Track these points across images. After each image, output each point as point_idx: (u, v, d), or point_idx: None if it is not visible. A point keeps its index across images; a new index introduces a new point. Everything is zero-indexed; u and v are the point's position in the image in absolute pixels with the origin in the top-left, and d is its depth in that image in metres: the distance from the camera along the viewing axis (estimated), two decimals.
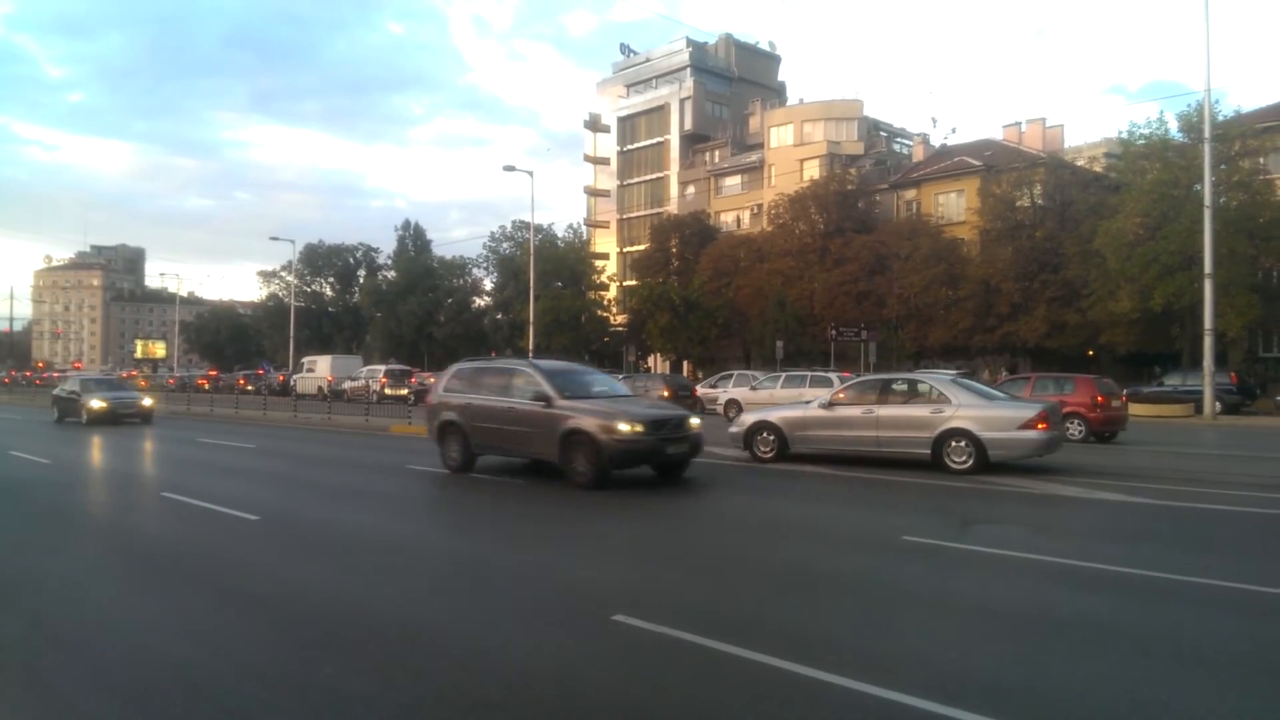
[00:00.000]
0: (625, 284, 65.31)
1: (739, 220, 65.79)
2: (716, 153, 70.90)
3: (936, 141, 60.92)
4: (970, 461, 13.34)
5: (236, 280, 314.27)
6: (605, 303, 62.04)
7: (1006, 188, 44.81)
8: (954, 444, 13.51)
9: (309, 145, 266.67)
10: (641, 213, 73.58)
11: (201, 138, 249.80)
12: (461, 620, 6.22)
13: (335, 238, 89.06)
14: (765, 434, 15.60)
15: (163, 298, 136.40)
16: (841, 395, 15.40)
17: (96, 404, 26.44)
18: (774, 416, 15.92)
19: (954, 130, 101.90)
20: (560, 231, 71.82)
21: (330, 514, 10.99)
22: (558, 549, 8.86)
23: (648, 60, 79.46)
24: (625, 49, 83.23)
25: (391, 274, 79.53)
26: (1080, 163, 51.48)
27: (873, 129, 67.09)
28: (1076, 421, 19.03)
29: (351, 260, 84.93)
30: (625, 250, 72.13)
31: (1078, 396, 19.46)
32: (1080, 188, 44.57)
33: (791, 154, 61.70)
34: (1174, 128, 36.92)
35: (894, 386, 15.27)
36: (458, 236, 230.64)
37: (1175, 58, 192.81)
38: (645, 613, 6.04)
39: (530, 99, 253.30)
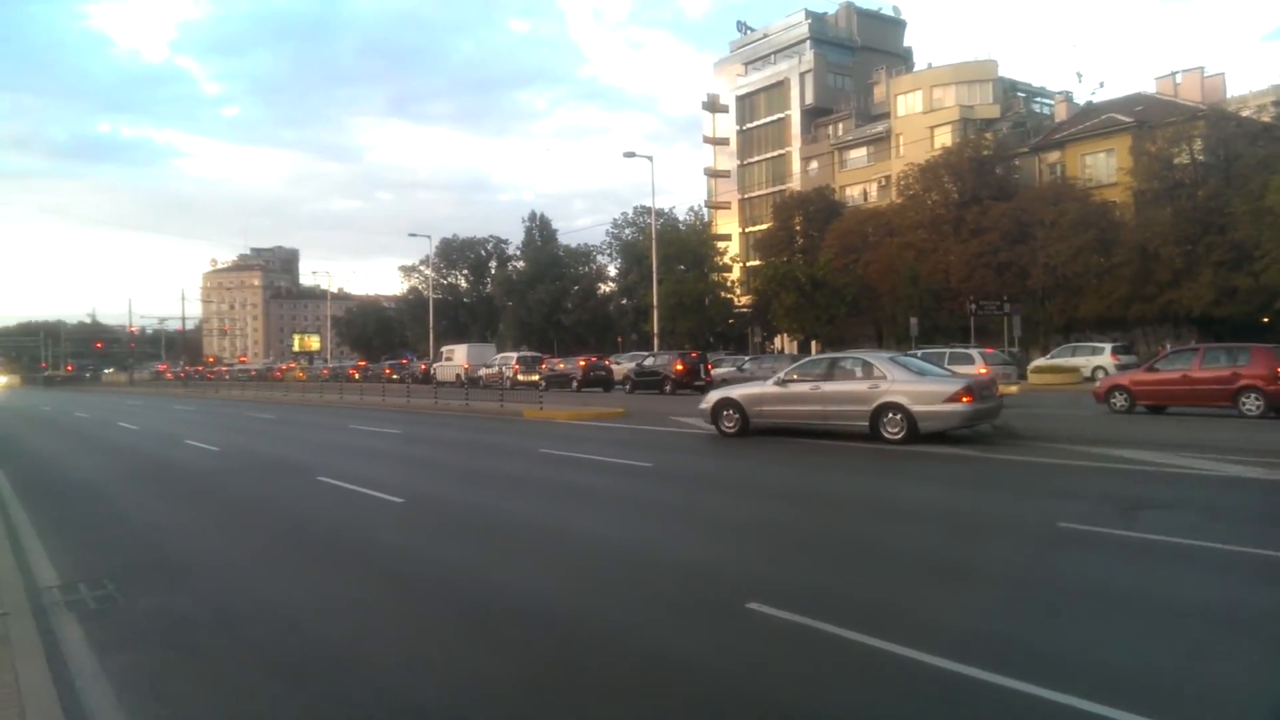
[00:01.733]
0: (748, 264, 64.54)
1: (866, 194, 63.72)
2: (840, 125, 68.82)
3: (1081, 99, 57.00)
4: (902, 433, 14.25)
5: (380, 276, 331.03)
6: (729, 284, 61.48)
7: (1162, 144, 41.23)
8: (889, 416, 14.49)
9: (441, 144, 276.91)
10: (763, 191, 72.43)
11: (344, 143, 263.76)
12: (597, 603, 6.25)
13: (468, 231, 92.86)
14: (730, 410, 16.68)
15: (315, 294, 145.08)
16: (794, 375, 16.30)
17: None
18: (736, 394, 17.03)
19: (1101, 85, 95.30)
20: (681, 215, 71.91)
21: (470, 497, 11.36)
22: (689, 532, 8.80)
23: (765, 36, 77.94)
24: (742, 26, 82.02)
25: (520, 264, 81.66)
26: (1246, 113, 46.66)
27: (1009, 90, 63.38)
28: (1254, 395, 17.35)
29: (483, 252, 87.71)
30: (747, 230, 71.23)
31: (1254, 368, 17.71)
32: (1247, 140, 40.45)
33: (921, 122, 59.14)
34: None
35: (838, 364, 16.15)
36: (582, 225, 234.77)
37: None
38: (780, 601, 5.88)
39: (648, 85, 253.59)
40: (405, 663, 5.14)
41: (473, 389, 31.94)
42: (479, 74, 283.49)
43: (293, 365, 79.55)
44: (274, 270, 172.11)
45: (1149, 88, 54.13)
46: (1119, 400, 19.56)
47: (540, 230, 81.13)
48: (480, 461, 15.21)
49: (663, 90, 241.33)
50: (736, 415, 16.54)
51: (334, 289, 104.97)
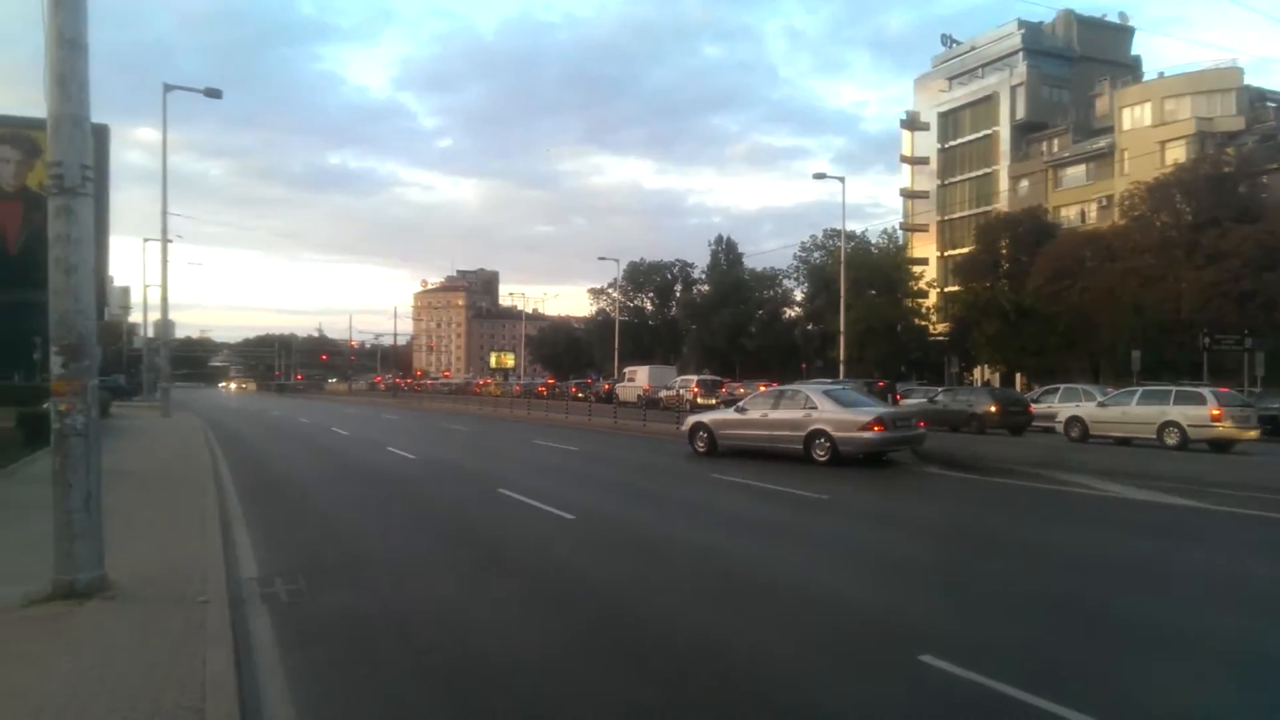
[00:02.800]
0: (946, 290, 61.30)
1: (1083, 214, 58.95)
2: (1055, 141, 64.17)
3: None
4: (827, 456, 16.44)
5: (571, 298, 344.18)
6: (924, 310, 58.71)
7: None
8: (817, 441, 16.70)
9: (634, 170, 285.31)
10: (965, 213, 68.83)
11: (544, 171, 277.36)
12: (755, 642, 5.92)
13: (655, 255, 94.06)
14: (701, 432, 19.08)
15: (512, 314, 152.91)
16: (748, 405, 18.73)
17: None
18: (706, 419, 19.67)
19: None
20: (874, 238, 69.47)
21: (639, 518, 11.30)
22: (862, 570, 8.27)
23: (972, 49, 74.24)
24: (947, 40, 78.54)
25: (705, 288, 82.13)
26: None
27: (1256, 99, 56.68)
28: None
29: (669, 276, 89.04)
30: (946, 254, 67.84)
31: None
32: None
33: (1149, 136, 54.08)
34: None
35: (783, 395, 18.59)
36: (770, 248, 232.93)
37: None
38: (959, 655, 5.31)
39: (843, 105, 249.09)
40: (559, 681, 5.09)
41: (651, 410, 32.21)
42: (672, 100, 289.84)
43: (489, 381, 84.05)
44: (476, 291, 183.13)
45: None
46: None
47: (726, 254, 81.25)
48: (653, 483, 15.19)
49: (858, 110, 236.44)
50: (706, 436, 18.93)
51: (529, 310, 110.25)
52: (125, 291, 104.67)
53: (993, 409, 26.24)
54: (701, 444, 18.95)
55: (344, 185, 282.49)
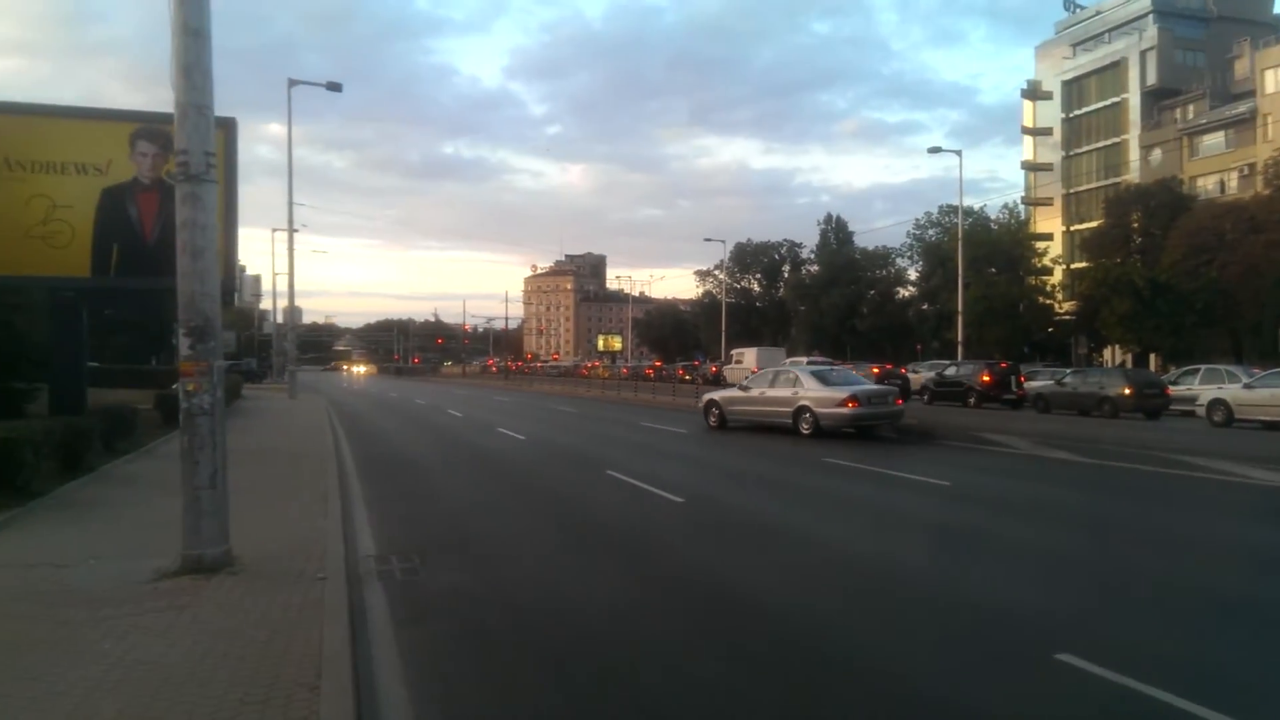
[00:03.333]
0: (1072, 267, 57.97)
1: (1222, 185, 54.48)
2: (1190, 107, 59.47)
3: None
4: (810, 429, 18.37)
5: (677, 280, 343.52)
6: (1048, 289, 55.71)
7: None
8: (804, 416, 18.57)
9: (741, 151, 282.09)
10: (1092, 185, 64.80)
11: (650, 154, 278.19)
12: (869, 633, 5.62)
13: (762, 236, 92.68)
14: (714, 409, 21.34)
15: (619, 298, 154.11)
16: (750, 384, 21.12)
17: None
18: (717, 396, 21.98)
19: None
20: (994, 213, 66.37)
21: (748, 501, 11.05)
22: (986, 561, 7.77)
23: (1098, 13, 69.59)
24: (1070, 4, 73.85)
25: (814, 268, 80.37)
26: None
27: None
28: None
29: (776, 256, 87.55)
30: (1072, 229, 64.11)
31: None
32: None
33: None
34: None
35: (778, 376, 20.77)
36: (882, 226, 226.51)
37: None
38: (1097, 653, 4.92)
39: (958, 77, 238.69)
40: (666, 670, 4.93)
41: None
42: (779, 78, 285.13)
43: (596, 364, 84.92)
44: (584, 275, 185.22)
45: None
46: None
47: (836, 233, 79.24)
48: (761, 466, 14.86)
49: (975, 82, 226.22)
50: (717, 412, 21.23)
51: (635, 292, 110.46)
52: (257, 280, 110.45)
53: (1126, 391, 24.62)
54: (713, 419, 21.24)
55: (457, 174, 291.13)
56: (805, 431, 18.35)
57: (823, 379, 19.57)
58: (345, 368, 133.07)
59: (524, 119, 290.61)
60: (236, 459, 13.85)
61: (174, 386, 11.23)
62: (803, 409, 18.66)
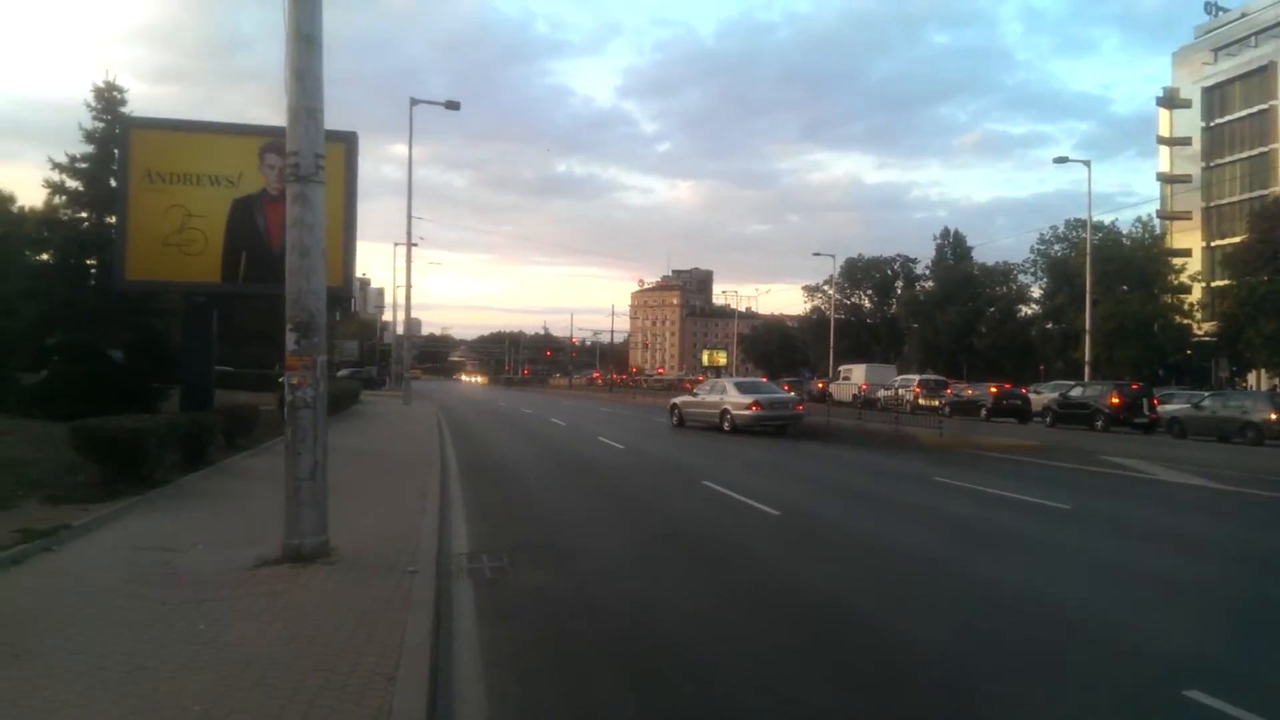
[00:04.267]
0: (1213, 284, 54.11)
1: None
2: None
3: None
4: (730, 428, 23.12)
5: (784, 295, 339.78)
6: (1186, 307, 52.13)
7: None
8: (725, 417, 23.44)
9: (854, 166, 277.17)
10: (1236, 197, 60.54)
11: (760, 169, 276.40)
12: (977, 654, 5.22)
13: (874, 252, 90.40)
14: (675, 411, 26.48)
15: (725, 313, 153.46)
16: (698, 391, 26.61)
17: None
18: (678, 400, 27.24)
19: None
20: (1126, 227, 62.63)
21: (847, 518, 10.64)
22: (1109, 589, 7.15)
23: (1243, 16, 65.03)
24: (1211, 8, 69.29)
25: (929, 284, 77.85)
26: None
27: None
28: None
29: (889, 272, 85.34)
30: (1213, 244, 59.95)
31: None
32: None
33: None
34: None
35: (714, 386, 26.16)
36: (1003, 242, 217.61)
37: None
38: (1229, 692, 4.46)
39: (1088, 87, 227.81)
40: (750, 684, 4.71)
41: (867, 410, 30.79)
42: (895, 92, 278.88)
43: (701, 378, 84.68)
44: (690, 290, 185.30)
45: None
46: None
47: (953, 248, 76.59)
48: (864, 482, 14.32)
49: (1106, 91, 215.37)
50: (677, 414, 26.21)
51: (741, 308, 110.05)
52: (380, 293, 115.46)
53: (1273, 417, 22.68)
54: (675, 418, 26.24)
55: (569, 191, 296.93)
56: (726, 429, 23.19)
57: (740, 389, 24.65)
58: (458, 378, 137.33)
59: (635, 136, 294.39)
60: (348, 458, 14.41)
61: (280, 379, 11.70)
62: (725, 411, 23.55)
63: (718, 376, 79.63)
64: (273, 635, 4.93)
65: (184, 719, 3.80)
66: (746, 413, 22.79)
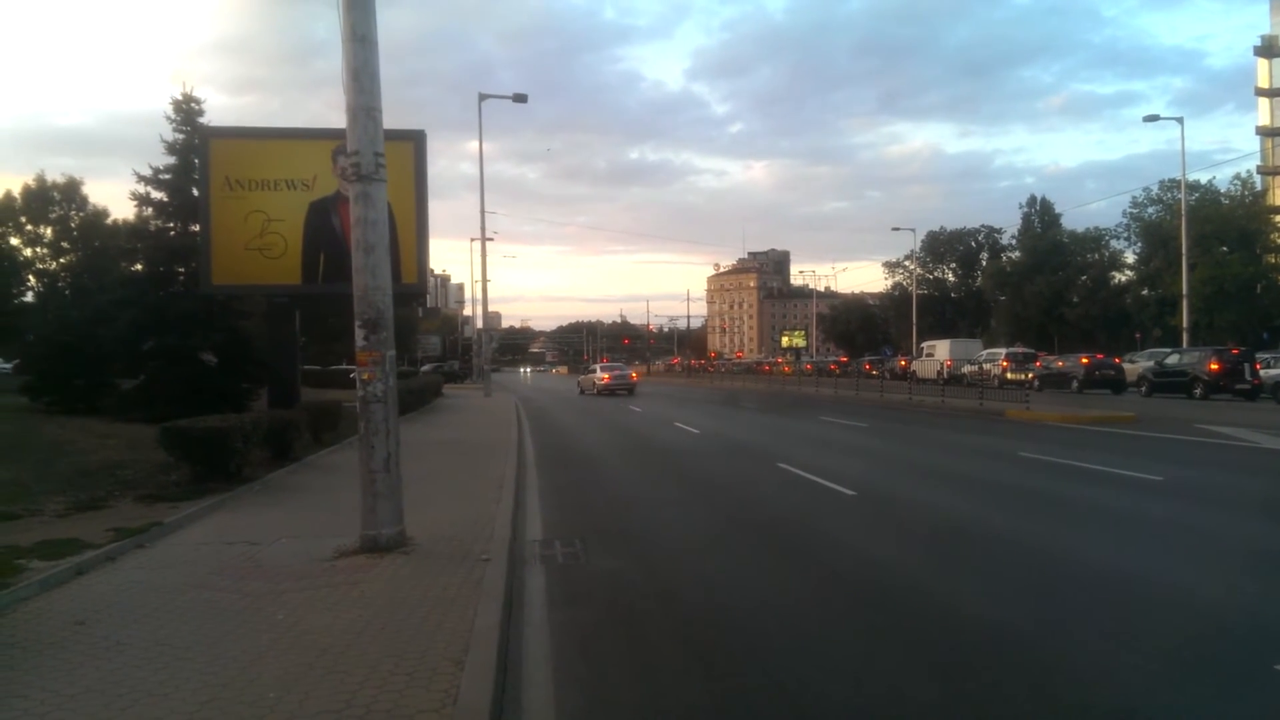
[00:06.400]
0: None
1: None
2: None
3: None
4: (594, 393, 39.21)
5: (865, 273, 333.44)
6: None
7: None
8: (595, 387, 39.94)
9: (933, 136, 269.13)
10: None
11: (835, 145, 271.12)
12: (1062, 634, 4.99)
13: (956, 223, 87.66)
14: (579, 385, 44.24)
15: (803, 294, 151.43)
16: (595, 369, 45.87)
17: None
18: (581, 378, 46.95)
19: None
20: (1224, 186, 59.08)
21: (926, 496, 10.35)
22: (1212, 567, 6.76)
23: None
24: None
25: (1016, 254, 75.12)
26: None
27: None
28: None
29: (973, 244, 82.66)
30: None
31: None
32: None
33: None
34: None
35: (595, 367, 47.71)
36: (1093, 207, 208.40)
37: None
38: None
39: (1181, 40, 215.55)
40: (821, 668, 4.61)
41: (952, 385, 29.95)
42: (975, 57, 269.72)
43: (780, 360, 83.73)
44: (767, 272, 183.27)
45: None
46: None
47: (1041, 216, 73.67)
48: (945, 460, 13.92)
49: (1201, 44, 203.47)
50: (580, 387, 43.24)
51: (820, 287, 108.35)
52: (460, 288, 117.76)
53: None
54: (579, 390, 42.01)
55: (642, 178, 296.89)
56: (591, 394, 38.82)
57: (603, 370, 42.67)
58: (532, 369, 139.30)
59: (707, 119, 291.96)
60: (428, 449, 14.75)
61: (350, 374, 12.00)
62: (594, 382, 40.26)
63: (797, 359, 78.89)
64: (347, 624, 5.06)
65: (260, 704, 3.93)
66: (599, 384, 39.61)
